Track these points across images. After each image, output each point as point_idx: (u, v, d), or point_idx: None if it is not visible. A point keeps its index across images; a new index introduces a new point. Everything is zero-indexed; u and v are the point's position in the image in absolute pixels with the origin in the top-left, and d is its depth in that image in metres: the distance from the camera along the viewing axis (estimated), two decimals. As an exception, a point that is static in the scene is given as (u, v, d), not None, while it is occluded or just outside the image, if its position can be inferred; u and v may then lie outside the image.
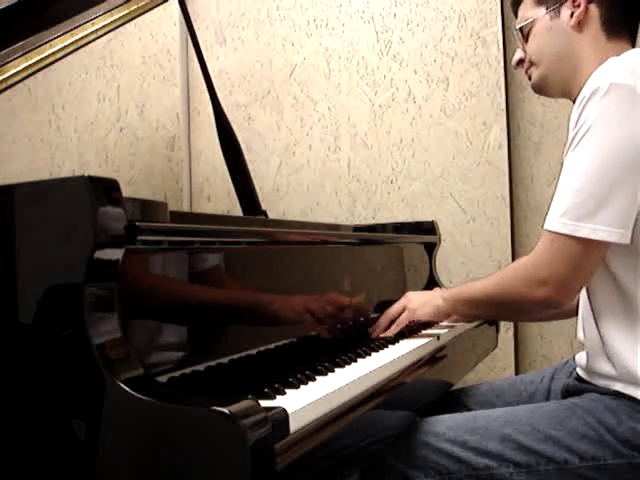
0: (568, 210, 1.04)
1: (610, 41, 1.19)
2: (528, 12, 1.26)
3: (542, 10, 1.23)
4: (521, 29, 1.27)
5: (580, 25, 1.19)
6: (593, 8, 1.19)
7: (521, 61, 1.29)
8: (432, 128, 2.16)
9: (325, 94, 2.27)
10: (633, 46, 1.22)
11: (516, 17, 1.33)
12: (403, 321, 1.32)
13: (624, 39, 1.20)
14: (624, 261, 1.07)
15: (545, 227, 1.08)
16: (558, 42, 1.22)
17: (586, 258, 1.06)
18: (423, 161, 2.17)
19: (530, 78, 1.29)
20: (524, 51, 1.28)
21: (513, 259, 2.11)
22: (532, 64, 1.27)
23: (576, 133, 1.06)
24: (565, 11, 1.21)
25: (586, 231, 1.03)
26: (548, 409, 1.13)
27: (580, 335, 1.23)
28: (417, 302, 1.33)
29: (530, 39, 1.26)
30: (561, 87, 1.24)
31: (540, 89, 1.28)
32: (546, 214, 1.09)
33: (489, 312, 1.37)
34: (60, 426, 0.73)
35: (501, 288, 1.17)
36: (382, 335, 1.31)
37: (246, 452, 0.65)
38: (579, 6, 1.19)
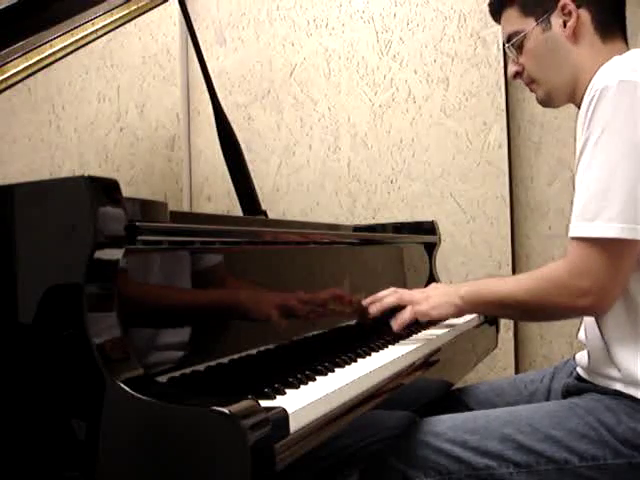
0: (597, 214, 1.02)
1: (605, 43, 1.19)
2: (516, 24, 1.23)
3: (531, 21, 1.21)
4: (511, 41, 1.24)
5: (575, 34, 1.18)
6: (583, 13, 1.18)
7: (518, 73, 1.27)
8: (432, 128, 2.16)
9: (325, 94, 2.27)
10: (626, 43, 1.21)
11: (496, 22, 1.30)
12: (419, 314, 1.26)
13: (618, 38, 1.20)
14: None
15: (575, 234, 1.06)
16: (556, 56, 1.20)
17: (623, 260, 1.04)
18: (423, 161, 2.17)
19: (531, 90, 1.28)
20: (518, 64, 1.26)
21: (513, 259, 2.11)
22: (533, 81, 1.25)
23: (589, 135, 1.04)
24: (556, 20, 1.19)
25: (618, 231, 1.01)
26: (548, 409, 1.14)
27: (582, 336, 1.23)
28: (437, 300, 1.26)
29: (525, 54, 1.23)
30: (566, 96, 1.24)
31: (547, 104, 1.28)
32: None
33: (519, 315, 1.36)
34: (60, 426, 0.73)
35: (536, 297, 1.12)
36: (398, 324, 1.25)
37: (246, 452, 0.65)
38: (569, 14, 1.18)
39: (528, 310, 1.18)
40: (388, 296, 1.29)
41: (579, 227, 1.05)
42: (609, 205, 1.02)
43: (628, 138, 1.01)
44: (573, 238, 1.07)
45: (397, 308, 1.29)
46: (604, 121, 1.02)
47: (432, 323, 1.47)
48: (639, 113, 1.01)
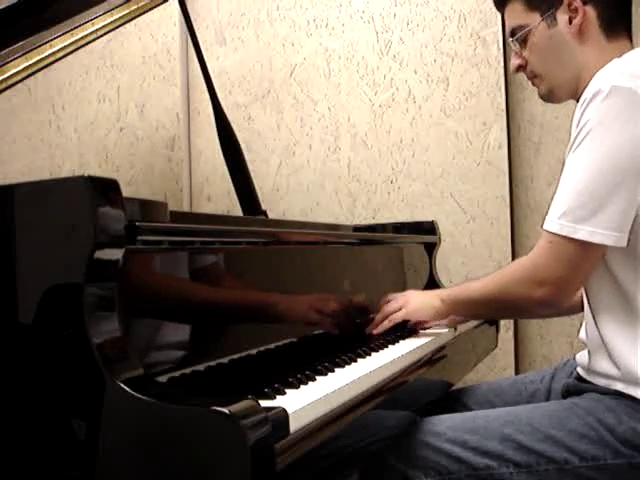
0: (567, 212, 1.05)
1: (610, 41, 1.18)
2: (520, 18, 1.23)
3: (536, 16, 1.20)
4: (515, 35, 1.24)
5: (580, 31, 1.17)
6: (589, 10, 1.17)
7: (520, 67, 1.27)
8: (432, 128, 2.16)
9: (325, 94, 2.27)
10: (631, 41, 1.21)
11: (499, 12, 1.30)
12: (397, 318, 1.33)
13: (623, 36, 1.19)
14: (624, 262, 1.08)
15: (544, 227, 1.09)
16: (561, 53, 1.20)
17: (584, 260, 1.07)
18: (423, 161, 2.17)
19: (533, 84, 1.27)
20: (522, 57, 1.25)
21: (513, 259, 2.11)
22: (536, 75, 1.25)
23: (577, 135, 1.06)
24: (561, 16, 1.18)
25: (583, 234, 1.03)
26: (548, 409, 1.13)
27: (582, 336, 1.23)
28: (415, 303, 1.33)
29: (529, 49, 1.23)
30: (568, 93, 1.24)
31: (549, 99, 1.28)
32: (546, 214, 1.10)
33: (489, 312, 1.39)
34: (60, 426, 0.73)
35: (500, 288, 1.17)
36: (375, 331, 1.32)
37: (246, 452, 0.65)
38: (576, 10, 1.17)
39: (495, 304, 1.22)
40: (378, 320, 1.35)
41: (550, 222, 1.08)
42: (582, 207, 1.03)
43: (612, 143, 1.02)
44: (543, 230, 1.09)
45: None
46: (592, 123, 1.03)
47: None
48: (626, 119, 1.01)
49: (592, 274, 1.10)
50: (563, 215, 1.05)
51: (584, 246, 1.05)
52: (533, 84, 1.28)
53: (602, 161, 1.03)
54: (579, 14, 1.17)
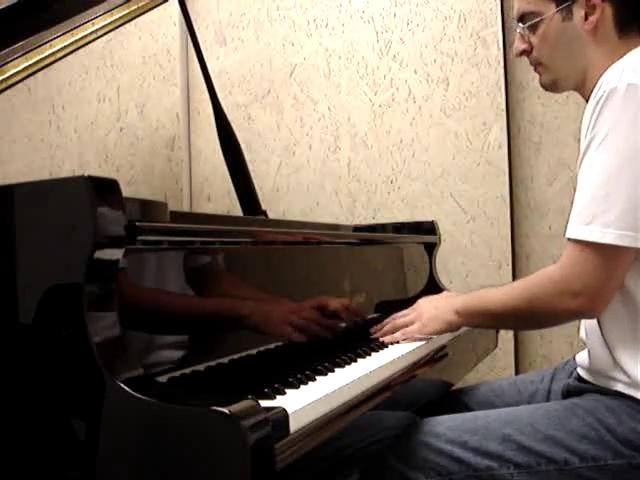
0: (595, 217, 1.02)
1: (621, 38, 1.16)
2: (533, 3, 1.19)
3: (551, 6, 1.17)
4: (525, 20, 1.20)
5: (595, 28, 1.15)
6: (607, 8, 1.14)
7: (524, 51, 1.24)
8: (432, 128, 2.16)
9: (325, 94, 2.27)
10: None
11: None
12: (410, 333, 1.27)
13: (634, 33, 1.17)
14: (630, 267, 1.06)
15: (571, 236, 1.05)
16: (571, 47, 1.18)
17: (616, 264, 1.04)
18: (423, 161, 2.17)
19: (535, 70, 1.25)
20: (528, 42, 1.22)
21: (513, 259, 2.11)
22: (541, 64, 1.23)
23: (594, 136, 1.03)
24: (578, 11, 1.15)
25: (614, 237, 1.00)
26: (548, 409, 1.13)
27: (582, 335, 1.22)
28: (428, 316, 1.26)
29: (539, 37, 1.20)
30: (572, 86, 1.22)
31: (550, 89, 1.26)
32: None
33: (512, 324, 1.34)
34: (60, 426, 0.73)
35: (529, 302, 1.11)
36: (387, 340, 1.26)
37: (246, 452, 0.65)
38: (593, 7, 1.14)
39: (522, 316, 1.16)
40: (387, 331, 1.30)
41: (575, 229, 1.05)
42: (607, 210, 1.01)
43: (632, 143, 1.00)
44: (569, 239, 1.06)
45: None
46: (609, 124, 1.01)
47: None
48: None
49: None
50: (591, 221, 1.02)
51: (615, 250, 1.02)
52: (536, 71, 1.25)
53: (625, 161, 1.00)
54: (597, 11, 1.14)
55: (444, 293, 1.44)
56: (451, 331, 1.28)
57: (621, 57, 1.09)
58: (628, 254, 1.03)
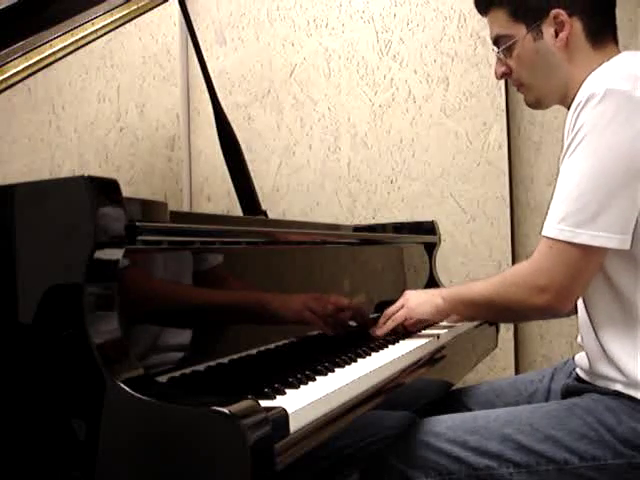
0: (567, 216, 1.04)
1: (596, 49, 1.17)
2: (504, 27, 1.21)
3: (522, 28, 1.19)
4: (499, 44, 1.23)
5: (567, 44, 1.17)
6: (575, 23, 1.16)
7: (504, 74, 1.26)
8: (432, 128, 2.16)
9: (325, 94, 2.27)
10: (617, 44, 1.21)
11: (481, 15, 1.28)
12: (399, 317, 1.32)
13: (609, 42, 1.19)
14: (622, 267, 1.07)
15: (543, 233, 1.08)
16: (548, 65, 1.19)
17: (585, 264, 1.06)
18: (423, 161, 2.17)
19: (518, 90, 1.27)
20: (506, 65, 1.24)
21: (513, 259, 2.11)
22: (522, 84, 1.24)
23: (572, 139, 1.05)
24: (547, 29, 1.17)
25: (585, 237, 1.03)
26: (548, 409, 1.13)
27: (579, 339, 1.23)
28: (416, 301, 1.33)
29: (515, 60, 1.22)
30: (555, 101, 1.24)
31: (536, 107, 1.28)
32: (544, 217, 1.09)
33: (488, 314, 1.38)
34: (60, 426, 0.73)
35: (500, 293, 1.16)
36: (379, 332, 1.32)
37: (246, 452, 0.65)
38: (562, 24, 1.16)
39: (495, 308, 1.20)
40: (381, 325, 1.34)
41: (549, 227, 1.07)
42: (581, 210, 1.03)
43: (607, 145, 1.02)
44: (543, 236, 1.08)
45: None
46: (586, 127, 1.03)
47: (431, 324, 1.47)
48: (622, 122, 1.01)
49: (592, 280, 1.10)
50: (563, 220, 1.05)
51: (585, 250, 1.04)
52: (518, 90, 1.27)
53: (600, 164, 1.02)
54: (566, 28, 1.16)
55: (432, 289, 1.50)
56: (438, 317, 1.34)
57: (600, 66, 1.10)
58: (599, 254, 1.05)
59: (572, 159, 1.05)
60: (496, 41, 1.24)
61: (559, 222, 1.05)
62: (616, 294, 1.08)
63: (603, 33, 1.19)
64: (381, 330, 1.32)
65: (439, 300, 1.29)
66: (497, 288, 1.17)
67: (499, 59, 1.25)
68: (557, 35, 1.17)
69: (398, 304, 1.35)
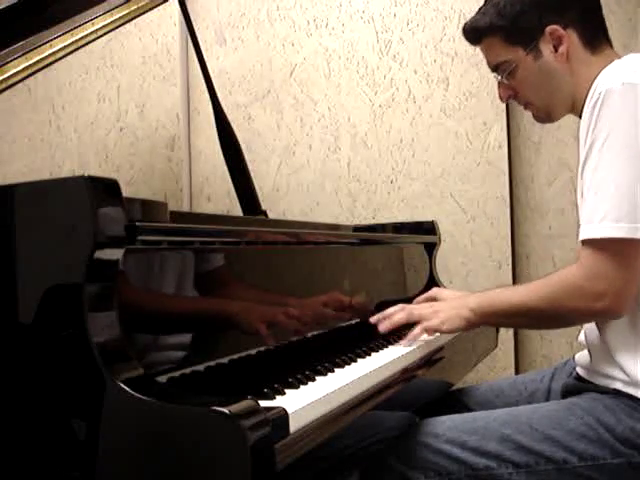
0: (607, 214, 1.02)
1: (595, 54, 1.18)
2: (502, 54, 1.22)
3: (519, 51, 1.19)
4: (500, 71, 1.23)
5: (567, 56, 1.17)
6: (571, 34, 1.17)
7: (510, 97, 1.26)
8: (432, 128, 2.16)
9: (325, 94, 2.27)
10: (611, 45, 1.22)
11: (473, 45, 1.29)
12: (431, 328, 1.23)
13: (605, 45, 1.20)
14: None
15: (585, 237, 1.05)
16: (552, 81, 1.20)
17: (636, 260, 1.04)
18: (423, 161, 2.17)
19: (527, 109, 1.27)
20: (510, 88, 1.24)
21: (513, 259, 2.11)
22: (529, 103, 1.25)
23: (595, 137, 1.04)
24: (545, 46, 1.18)
25: (627, 231, 1.01)
26: (547, 409, 1.14)
27: (582, 338, 1.23)
28: (445, 315, 1.22)
29: (518, 82, 1.22)
30: (565, 112, 1.24)
31: (546, 121, 1.28)
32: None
33: (531, 323, 1.31)
34: (60, 426, 0.73)
35: (550, 301, 1.11)
36: (410, 338, 1.24)
37: (246, 452, 0.65)
38: (559, 38, 1.16)
39: (543, 317, 1.15)
40: (397, 312, 1.26)
41: (588, 229, 1.05)
42: (617, 206, 1.01)
43: (634, 140, 1.01)
44: (584, 242, 1.06)
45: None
46: (609, 124, 1.02)
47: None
48: None
49: None
50: (604, 218, 1.02)
51: (631, 245, 1.02)
52: (526, 108, 1.27)
53: (632, 156, 1.01)
54: (564, 41, 1.17)
55: (457, 292, 1.42)
56: (467, 329, 1.25)
57: (601, 68, 1.10)
58: None
59: (600, 158, 1.03)
60: (495, 68, 1.25)
61: (600, 221, 1.02)
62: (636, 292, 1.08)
63: (598, 37, 1.20)
64: (412, 337, 1.24)
65: (467, 313, 1.20)
66: (543, 296, 1.12)
67: (502, 84, 1.25)
68: (556, 50, 1.17)
69: (428, 312, 1.24)
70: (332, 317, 1.28)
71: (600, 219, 1.03)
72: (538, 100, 1.24)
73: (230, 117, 1.78)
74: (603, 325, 1.12)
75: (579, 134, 1.09)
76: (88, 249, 0.72)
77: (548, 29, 1.17)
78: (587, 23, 1.19)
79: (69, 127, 2.44)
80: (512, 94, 1.26)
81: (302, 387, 0.88)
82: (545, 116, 1.26)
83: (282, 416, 0.73)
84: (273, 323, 1.09)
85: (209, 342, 0.94)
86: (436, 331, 1.24)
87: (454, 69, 2.14)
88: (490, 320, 1.25)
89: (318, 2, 2.28)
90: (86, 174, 0.72)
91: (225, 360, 0.94)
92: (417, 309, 1.27)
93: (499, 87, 1.27)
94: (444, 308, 1.24)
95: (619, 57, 1.16)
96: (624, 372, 1.07)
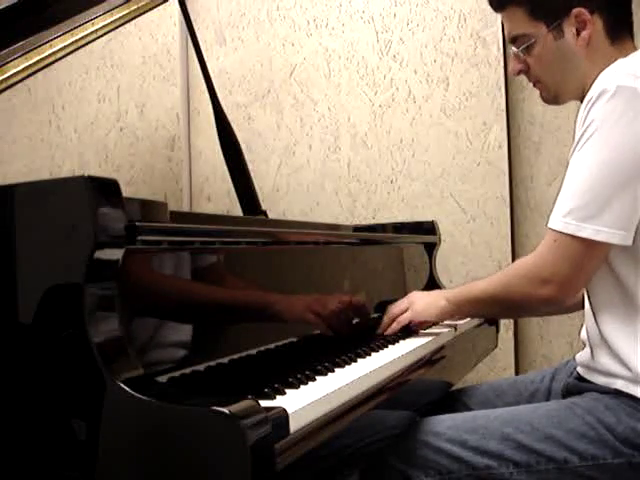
0: (572, 210, 1.05)
1: (614, 45, 1.17)
2: (523, 27, 1.20)
3: (541, 27, 1.18)
4: (518, 43, 1.22)
5: (588, 42, 1.16)
6: (597, 20, 1.16)
7: (521, 71, 1.25)
8: (432, 128, 2.16)
9: (325, 94, 2.27)
10: (633, 40, 1.21)
11: (495, 11, 1.27)
12: (404, 320, 1.33)
13: (627, 38, 1.19)
14: (625, 259, 1.08)
15: (548, 225, 1.09)
16: (567, 63, 1.19)
17: (588, 258, 1.07)
18: (423, 161, 2.17)
19: (535, 86, 1.26)
20: (523, 62, 1.23)
21: (513, 259, 2.11)
22: (539, 81, 1.24)
23: (582, 134, 1.06)
24: (568, 28, 1.16)
25: (589, 232, 1.04)
26: (548, 408, 1.14)
27: (583, 334, 1.23)
28: (421, 304, 1.33)
29: (534, 58, 1.21)
30: (573, 96, 1.24)
31: (552, 103, 1.28)
32: (549, 213, 1.10)
33: (493, 310, 1.38)
34: (60, 426, 0.73)
35: (504, 287, 1.18)
36: (386, 333, 1.33)
37: (246, 452, 0.65)
38: (584, 22, 1.15)
39: (500, 302, 1.21)
40: (392, 328, 1.34)
41: (554, 220, 1.08)
42: (587, 205, 1.04)
43: (616, 141, 1.02)
44: (548, 229, 1.10)
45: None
46: (596, 122, 1.04)
47: (433, 323, 1.47)
48: (631, 119, 1.01)
49: (595, 273, 1.10)
50: (568, 214, 1.06)
51: (589, 245, 1.05)
52: (535, 86, 1.27)
53: (607, 160, 1.03)
54: (588, 26, 1.16)
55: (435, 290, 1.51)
56: (443, 318, 1.35)
57: (616, 61, 1.10)
58: (602, 249, 1.06)
59: (581, 154, 1.06)
60: (514, 40, 1.23)
61: (565, 215, 1.06)
62: (618, 285, 1.09)
63: (621, 28, 1.19)
64: (387, 332, 1.33)
65: (444, 302, 1.30)
66: (499, 283, 1.19)
67: (516, 56, 1.24)
68: (579, 34, 1.16)
69: (402, 306, 1.35)
70: (332, 318, 1.27)
71: (565, 213, 1.06)
72: (549, 80, 1.23)
73: (230, 117, 1.78)
74: (603, 322, 1.12)
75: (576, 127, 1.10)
76: (88, 249, 0.72)
77: (575, 11, 1.15)
78: (614, 12, 1.18)
79: (69, 127, 2.45)
80: (524, 69, 1.24)
81: (302, 387, 0.88)
82: (552, 97, 1.25)
83: (282, 416, 0.73)
84: (273, 323, 1.09)
85: (209, 342, 0.94)
86: (413, 318, 1.33)
87: (454, 69, 2.14)
88: (464, 309, 1.31)
89: (318, 2, 2.28)
90: (86, 174, 0.72)
91: (225, 360, 0.94)
92: (395, 306, 1.37)
93: (512, 60, 1.26)
94: (421, 299, 1.35)
95: (637, 51, 1.16)
96: (626, 367, 1.07)
